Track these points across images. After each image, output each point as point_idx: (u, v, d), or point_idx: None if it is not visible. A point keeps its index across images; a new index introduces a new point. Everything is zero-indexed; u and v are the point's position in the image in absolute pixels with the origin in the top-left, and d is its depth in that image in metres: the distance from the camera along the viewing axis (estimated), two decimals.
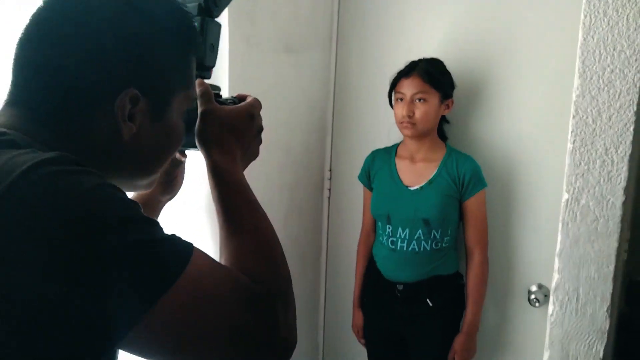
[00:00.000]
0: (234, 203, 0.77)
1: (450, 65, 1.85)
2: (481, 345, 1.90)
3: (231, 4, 1.58)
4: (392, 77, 1.86)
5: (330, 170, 2.33)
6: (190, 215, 1.61)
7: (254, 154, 0.90)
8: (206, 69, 0.90)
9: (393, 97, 1.87)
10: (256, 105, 0.89)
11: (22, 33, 0.66)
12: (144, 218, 0.60)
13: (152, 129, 0.71)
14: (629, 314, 1.62)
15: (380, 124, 2.11)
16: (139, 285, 0.56)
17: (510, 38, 1.85)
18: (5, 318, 0.52)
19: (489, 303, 1.95)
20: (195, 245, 0.64)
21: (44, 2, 0.67)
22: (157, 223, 0.62)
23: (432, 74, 1.78)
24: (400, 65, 1.85)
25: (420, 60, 1.83)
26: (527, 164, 1.87)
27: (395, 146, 1.97)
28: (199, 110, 0.83)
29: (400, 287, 1.86)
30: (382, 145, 2.02)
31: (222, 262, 0.72)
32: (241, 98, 0.91)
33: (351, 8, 2.20)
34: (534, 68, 1.81)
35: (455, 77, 1.84)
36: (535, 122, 1.83)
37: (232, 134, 0.83)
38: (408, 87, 1.79)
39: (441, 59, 1.85)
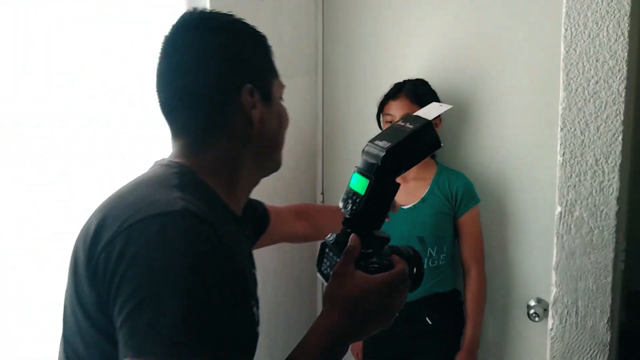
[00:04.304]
0: None
1: (436, 85, 1.86)
2: None
3: None
4: (379, 100, 1.87)
5: (322, 193, 2.32)
6: None
7: (373, 329, 0.83)
8: (375, 225, 0.89)
9: (382, 120, 1.88)
10: (395, 281, 0.83)
11: (157, 77, 0.88)
12: (224, 293, 0.70)
13: (268, 112, 0.90)
14: (630, 325, 1.60)
15: None
16: (136, 337, 0.66)
17: (493, 55, 1.87)
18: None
19: (489, 319, 1.93)
20: None
21: (162, 49, 0.87)
22: (233, 308, 0.72)
23: (418, 95, 1.79)
24: (387, 86, 1.86)
25: (405, 81, 1.84)
26: (519, 178, 1.86)
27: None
28: (335, 267, 0.83)
29: None
30: None
31: None
32: (392, 262, 0.86)
33: (335, 32, 2.22)
34: (519, 83, 1.83)
35: (441, 96, 1.85)
36: (524, 136, 1.84)
37: (349, 307, 0.80)
38: (396, 109, 1.79)
39: (427, 78, 1.87)
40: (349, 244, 0.84)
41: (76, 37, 1.26)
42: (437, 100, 1.85)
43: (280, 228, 1.26)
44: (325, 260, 0.90)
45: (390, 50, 2.09)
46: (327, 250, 0.90)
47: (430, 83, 1.86)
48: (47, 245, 1.24)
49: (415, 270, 0.91)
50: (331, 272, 0.83)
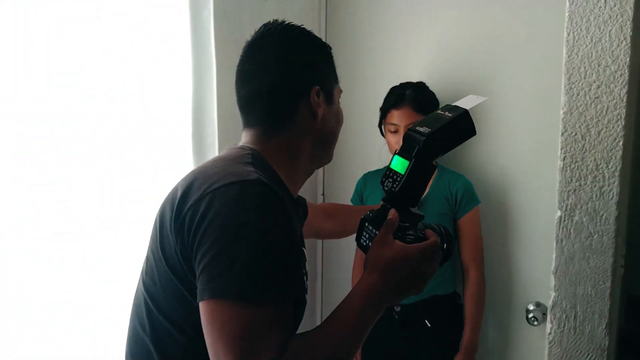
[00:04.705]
0: (344, 317, 0.88)
1: (437, 88, 1.85)
2: None
3: (217, 32, 1.59)
4: (381, 107, 1.86)
5: (323, 194, 2.32)
6: None
7: (407, 293, 0.93)
8: (411, 202, 0.97)
9: (384, 127, 1.87)
10: (429, 250, 0.92)
11: (238, 75, 1.04)
12: (281, 248, 0.84)
13: (329, 111, 1.05)
14: (629, 331, 1.60)
15: (371, 146, 2.10)
16: (214, 281, 0.80)
17: (495, 58, 1.86)
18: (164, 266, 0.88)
19: (488, 322, 1.93)
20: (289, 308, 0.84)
21: (245, 52, 1.04)
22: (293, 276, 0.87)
23: (421, 102, 1.78)
24: (387, 88, 1.85)
25: (404, 87, 1.83)
26: (519, 182, 1.86)
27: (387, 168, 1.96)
28: (376, 237, 0.93)
29: (398, 309, 1.84)
30: (373, 168, 2.01)
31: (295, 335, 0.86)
32: (426, 235, 0.95)
33: (337, 35, 2.21)
34: (520, 86, 1.82)
35: (442, 98, 1.84)
36: (525, 140, 1.83)
37: (387, 271, 0.90)
38: (400, 118, 1.78)
39: (428, 82, 1.86)
40: (388, 217, 0.93)
41: (76, 37, 1.26)
42: (438, 105, 1.84)
43: (312, 223, 1.36)
44: (364, 233, 1.00)
45: (393, 53, 2.08)
46: (366, 224, 1.00)
47: (431, 86, 1.85)
48: (47, 245, 1.24)
49: (445, 246, 1.02)
50: (370, 243, 0.94)
